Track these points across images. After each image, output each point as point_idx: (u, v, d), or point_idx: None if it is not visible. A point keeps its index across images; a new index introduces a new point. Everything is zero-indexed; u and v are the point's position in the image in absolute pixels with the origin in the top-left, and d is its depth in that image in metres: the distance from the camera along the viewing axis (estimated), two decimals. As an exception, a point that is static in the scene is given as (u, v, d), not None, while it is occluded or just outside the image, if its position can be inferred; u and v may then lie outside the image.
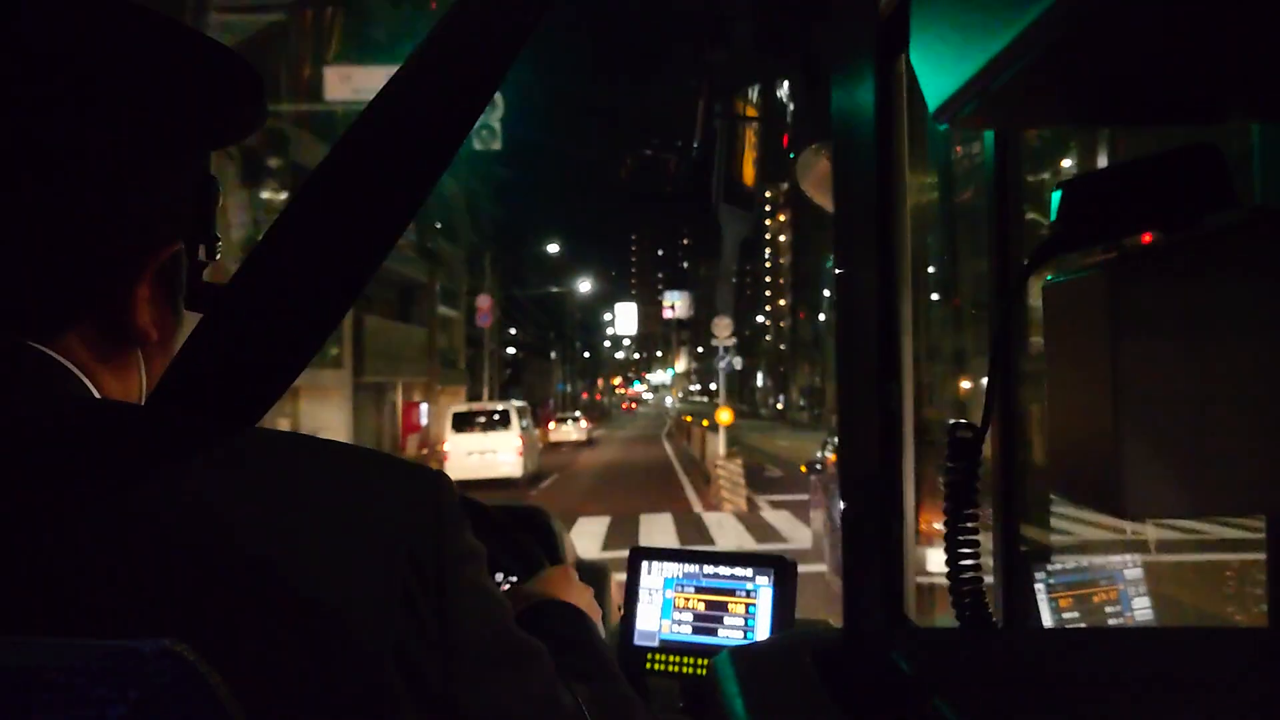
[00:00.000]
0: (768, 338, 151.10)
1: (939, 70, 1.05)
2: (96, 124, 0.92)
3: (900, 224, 1.36)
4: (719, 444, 27.66)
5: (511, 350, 78.56)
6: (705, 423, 38.74)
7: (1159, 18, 0.81)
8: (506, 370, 74.85)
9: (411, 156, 0.97)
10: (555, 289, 75.24)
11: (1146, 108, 1.09)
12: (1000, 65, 0.89)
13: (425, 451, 41.10)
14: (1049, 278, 1.14)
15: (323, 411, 30.13)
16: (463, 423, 30.50)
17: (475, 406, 33.01)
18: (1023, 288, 1.19)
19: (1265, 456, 0.98)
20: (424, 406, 46.20)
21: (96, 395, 0.94)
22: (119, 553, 0.79)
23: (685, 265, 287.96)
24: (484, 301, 50.45)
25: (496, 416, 30.50)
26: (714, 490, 25.22)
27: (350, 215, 0.94)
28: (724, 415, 29.36)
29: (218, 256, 1.09)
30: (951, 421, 1.22)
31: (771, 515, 22.57)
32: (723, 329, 32.45)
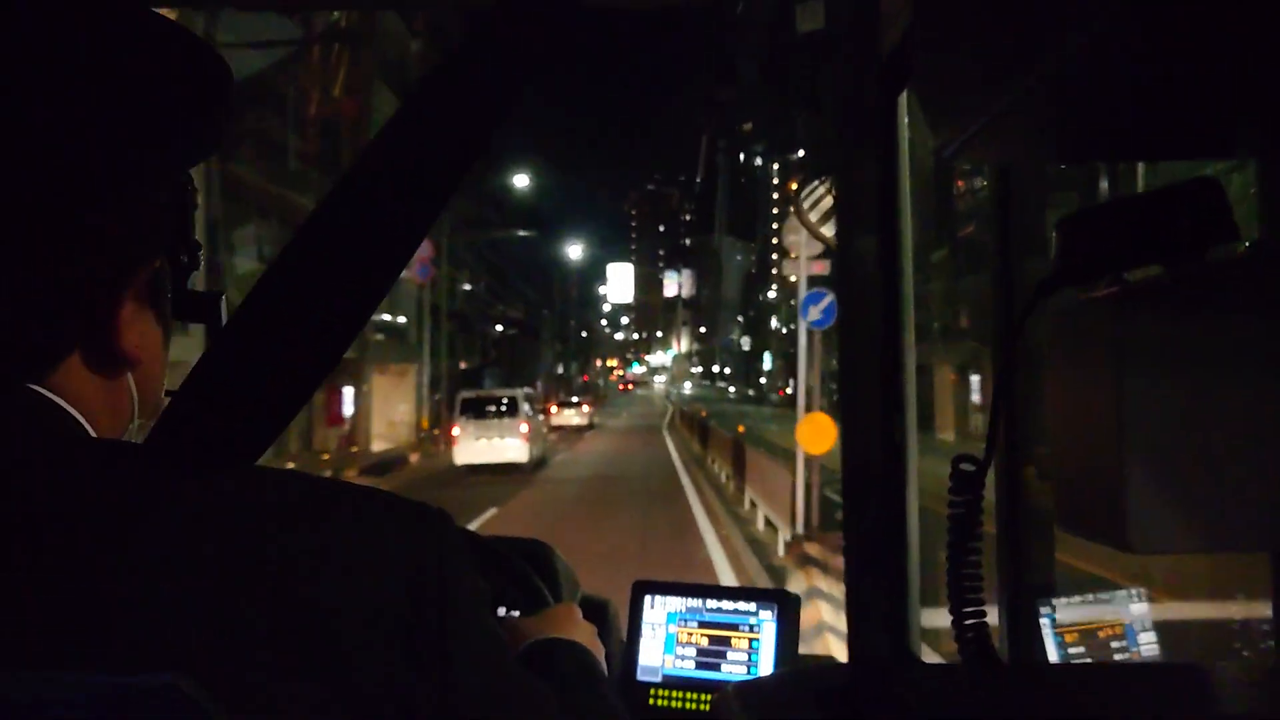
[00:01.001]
0: (775, 320, 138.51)
1: (941, 106, 1.05)
2: (70, 147, 0.88)
3: (903, 256, 1.36)
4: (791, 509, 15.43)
5: (500, 329, 73.17)
6: (741, 429, 30.38)
7: (1160, 56, 0.81)
8: (483, 348, 67.66)
9: (416, 188, 0.97)
10: (527, 232, 66.45)
11: (1148, 144, 1.09)
12: (1002, 101, 0.89)
13: (355, 449, 35.32)
14: (1052, 312, 1.14)
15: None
16: (470, 409, 30.93)
17: (483, 393, 33.52)
18: (1026, 322, 1.19)
19: (1270, 492, 0.98)
20: (348, 392, 36.80)
21: (92, 432, 0.93)
22: (119, 589, 0.79)
23: (687, 242, 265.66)
24: (424, 250, 36.22)
25: (504, 403, 31.04)
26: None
27: (353, 250, 0.94)
28: (816, 430, 14.84)
29: (200, 263, 1.07)
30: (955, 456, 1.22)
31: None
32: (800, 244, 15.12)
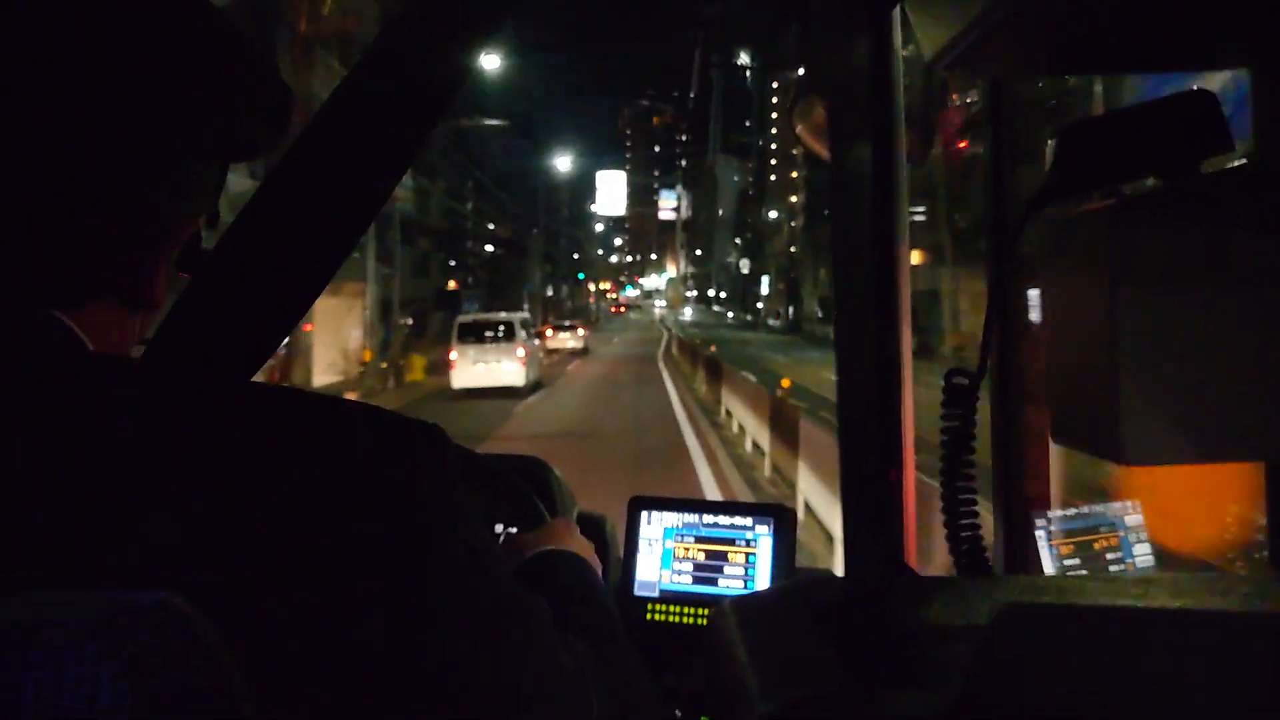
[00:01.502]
0: (772, 241, 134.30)
1: (934, 19, 1.04)
2: (174, 135, 0.94)
3: (897, 172, 1.36)
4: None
5: (488, 248, 70.16)
6: (786, 383, 20.07)
7: None
8: (464, 267, 63.54)
9: (399, 113, 0.97)
10: (498, 121, 57.18)
11: (1141, 55, 1.08)
12: (994, 12, 0.88)
13: (285, 385, 32.04)
14: (1046, 224, 1.13)
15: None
16: (468, 333, 31.34)
17: (480, 318, 33.82)
18: (1020, 233, 1.18)
19: (1264, 404, 0.98)
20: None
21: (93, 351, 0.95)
22: (111, 507, 0.79)
23: (683, 163, 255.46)
24: None
25: (501, 328, 31.44)
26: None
27: (338, 174, 0.95)
28: None
29: (218, 223, 1.09)
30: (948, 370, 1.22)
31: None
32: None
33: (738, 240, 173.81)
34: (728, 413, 22.21)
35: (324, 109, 0.97)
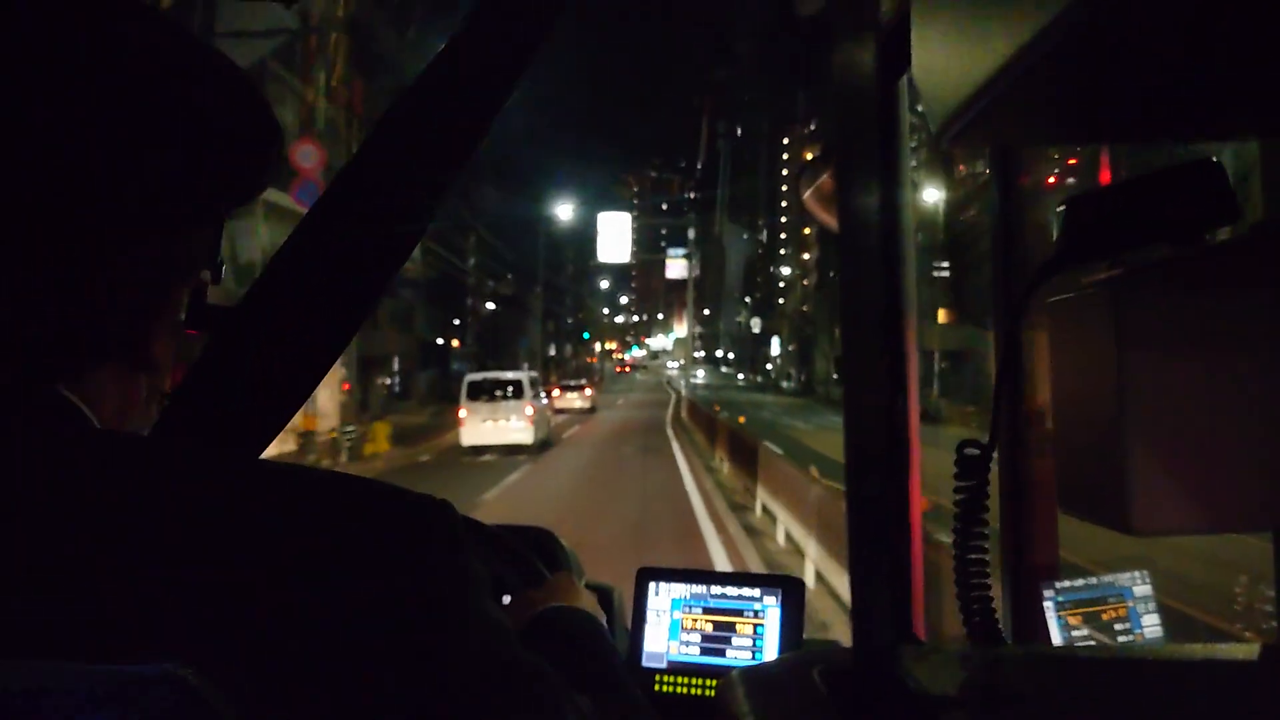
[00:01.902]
0: (783, 300, 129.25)
1: (940, 88, 1.05)
2: (130, 187, 0.91)
3: (904, 240, 1.36)
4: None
5: (489, 305, 67.87)
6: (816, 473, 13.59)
7: (1159, 34, 0.81)
8: (461, 324, 60.58)
9: (411, 187, 0.97)
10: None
11: (1148, 125, 1.09)
12: (1000, 81, 0.89)
13: None
14: (1054, 295, 1.14)
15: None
16: (478, 391, 31.60)
17: (489, 376, 33.86)
18: (1028, 304, 1.19)
19: (1272, 472, 0.98)
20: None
21: (98, 425, 0.94)
22: (120, 581, 0.79)
23: (691, 234, 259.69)
24: (305, 154, 26.24)
25: (510, 386, 31.65)
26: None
27: (352, 246, 0.95)
28: None
29: (221, 279, 1.09)
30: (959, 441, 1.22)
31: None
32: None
33: (747, 300, 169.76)
34: (764, 509, 17.24)
35: (345, 169, 0.97)
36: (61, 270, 0.89)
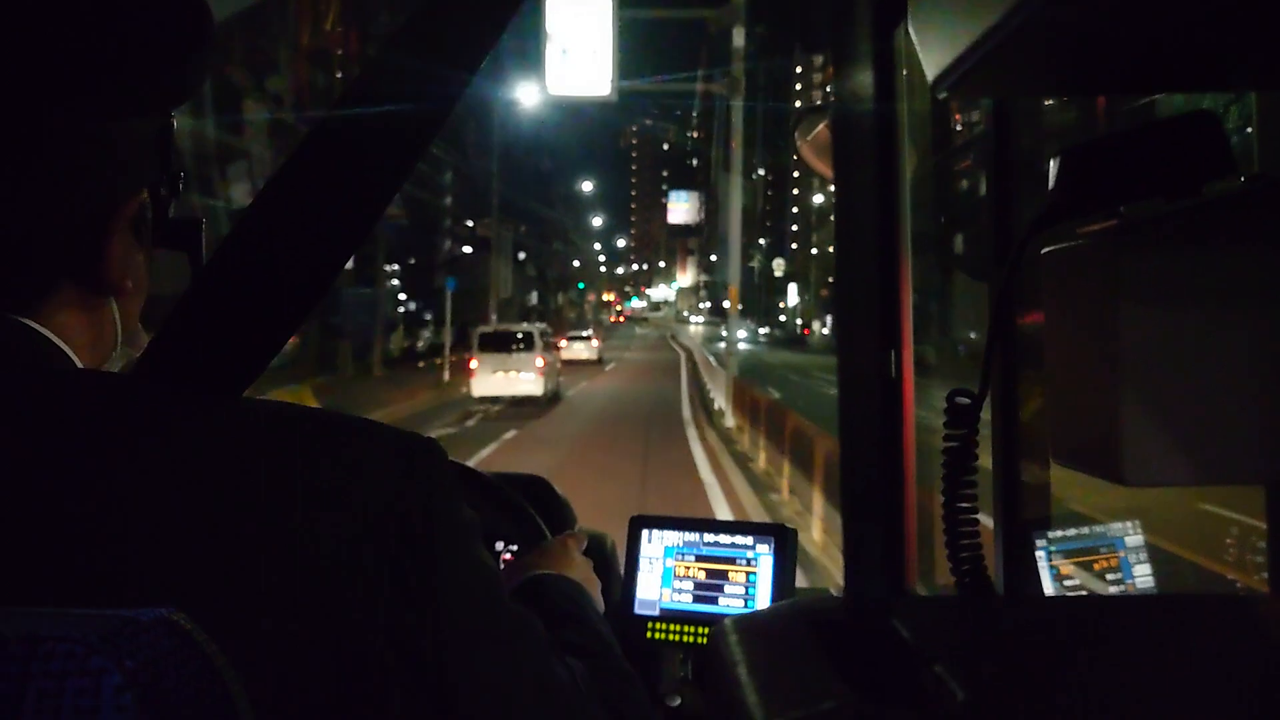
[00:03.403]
0: (808, 237, 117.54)
1: (936, 39, 1.05)
2: (55, 87, 0.89)
3: (900, 194, 1.36)
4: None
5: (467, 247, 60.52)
6: None
7: None
8: (429, 267, 54.03)
9: (400, 122, 0.96)
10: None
11: (1145, 76, 1.09)
12: (997, 32, 0.88)
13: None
14: (1048, 246, 1.14)
15: None
16: (488, 343, 31.96)
17: (500, 328, 34.61)
18: (1021, 255, 1.19)
19: (1265, 425, 0.98)
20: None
21: (78, 363, 0.94)
22: (110, 523, 0.79)
23: (694, 162, 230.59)
24: None
25: (520, 338, 32.05)
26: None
27: (337, 185, 0.94)
28: None
29: (180, 189, 1.07)
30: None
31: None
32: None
33: (761, 241, 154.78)
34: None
35: (333, 107, 0.96)
36: None
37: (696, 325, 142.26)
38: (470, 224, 62.50)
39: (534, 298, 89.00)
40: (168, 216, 1.06)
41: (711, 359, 39.92)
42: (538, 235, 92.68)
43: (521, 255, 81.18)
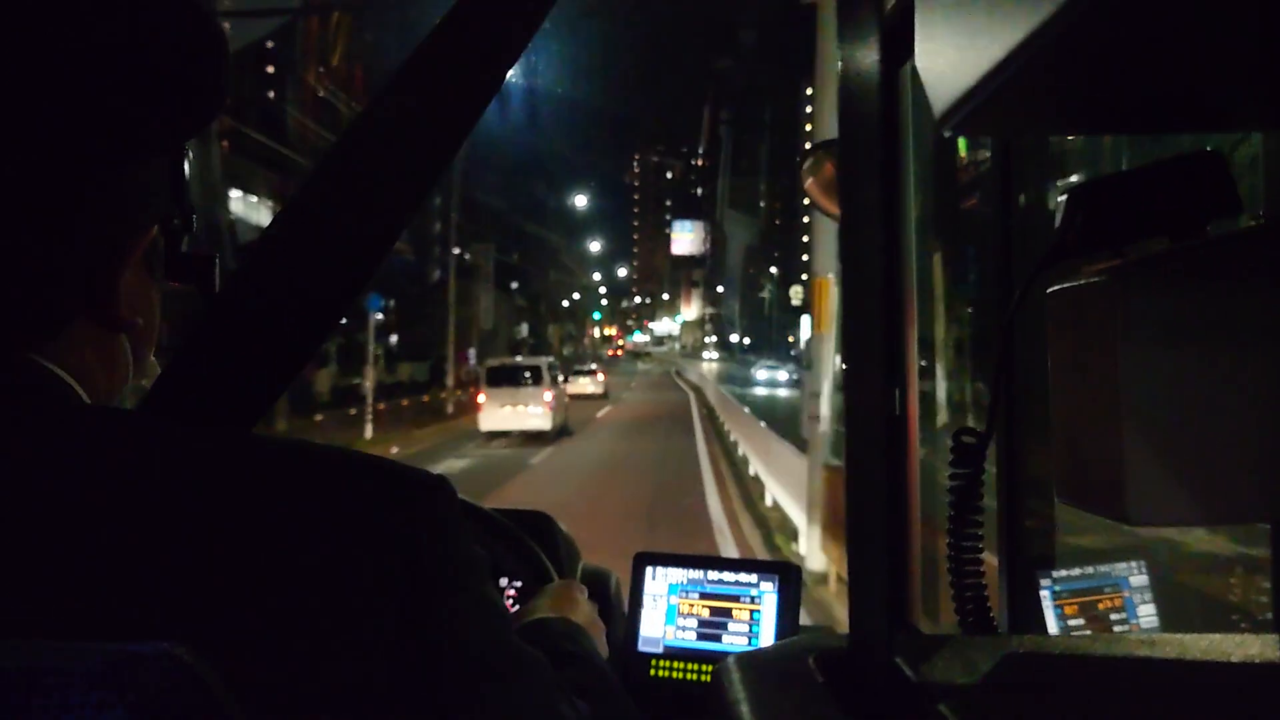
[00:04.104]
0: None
1: (943, 77, 1.05)
2: (70, 120, 0.88)
3: (905, 230, 1.37)
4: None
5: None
6: None
7: (1164, 25, 0.81)
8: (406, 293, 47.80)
9: (407, 162, 0.96)
10: None
11: (1151, 116, 1.09)
12: (1003, 71, 0.89)
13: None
14: (1054, 285, 1.14)
15: None
16: (497, 377, 31.82)
17: (509, 361, 34.56)
18: (1028, 295, 1.19)
19: (1270, 464, 0.98)
20: None
21: (87, 400, 0.93)
22: (114, 558, 0.79)
23: (699, 191, 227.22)
24: None
25: (528, 373, 31.87)
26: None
27: (346, 219, 0.94)
28: None
29: (194, 226, 1.07)
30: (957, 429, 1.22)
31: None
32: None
33: (773, 270, 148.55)
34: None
35: (344, 136, 0.96)
36: (5, 214, 0.87)
37: (710, 362, 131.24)
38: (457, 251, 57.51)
39: (524, 329, 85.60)
40: (180, 251, 1.06)
41: (748, 412, 25.79)
42: (533, 262, 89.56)
43: (514, 285, 77.87)
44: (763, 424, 21.09)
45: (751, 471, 20.50)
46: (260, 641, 0.80)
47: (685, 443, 30.46)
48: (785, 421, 21.75)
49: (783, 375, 79.93)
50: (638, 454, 27.30)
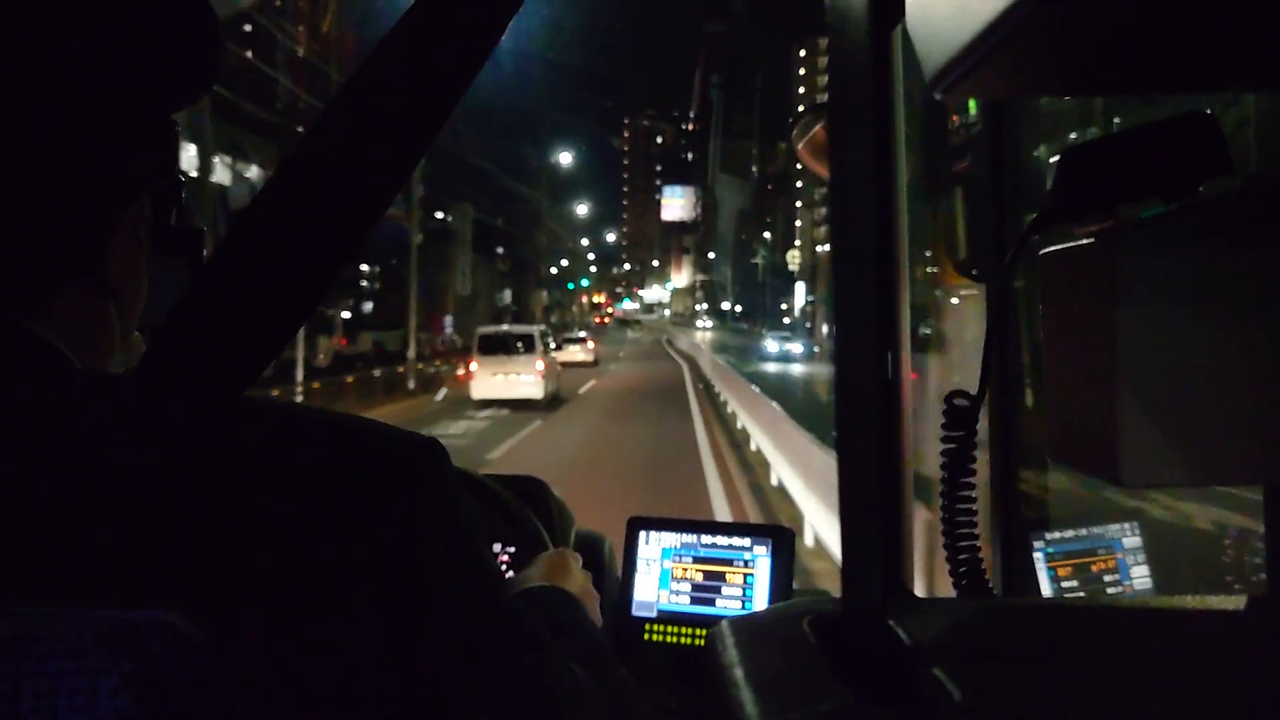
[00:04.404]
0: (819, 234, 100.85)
1: (934, 37, 1.05)
2: (62, 92, 0.88)
3: (897, 193, 1.36)
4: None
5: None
6: None
7: None
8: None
9: (399, 126, 0.96)
10: None
11: (1143, 76, 1.08)
12: (994, 31, 0.88)
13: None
14: (1046, 247, 1.13)
15: None
16: (489, 345, 31.68)
17: (501, 330, 34.24)
18: (1020, 257, 1.19)
19: (1264, 426, 0.98)
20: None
21: (78, 365, 0.94)
22: (108, 524, 0.79)
23: (690, 156, 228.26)
24: None
25: (520, 341, 31.81)
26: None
27: (337, 184, 0.93)
28: None
29: (182, 195, 1.07)
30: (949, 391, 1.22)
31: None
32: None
33: (766, 235, 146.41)
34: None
35: (332, 104, 0.95)
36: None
37: (703, 330, 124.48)
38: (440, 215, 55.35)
39: (507, 296, 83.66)
40: (169, 222, 1.06)
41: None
42: (519, 226, 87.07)
43: (499, 250, 75.73)
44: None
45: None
46: (252, 606, 0.80)
47: (684, 427, 26.59)
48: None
49: (797, 348, 70.84)
50: (630, 442, 23.25)
